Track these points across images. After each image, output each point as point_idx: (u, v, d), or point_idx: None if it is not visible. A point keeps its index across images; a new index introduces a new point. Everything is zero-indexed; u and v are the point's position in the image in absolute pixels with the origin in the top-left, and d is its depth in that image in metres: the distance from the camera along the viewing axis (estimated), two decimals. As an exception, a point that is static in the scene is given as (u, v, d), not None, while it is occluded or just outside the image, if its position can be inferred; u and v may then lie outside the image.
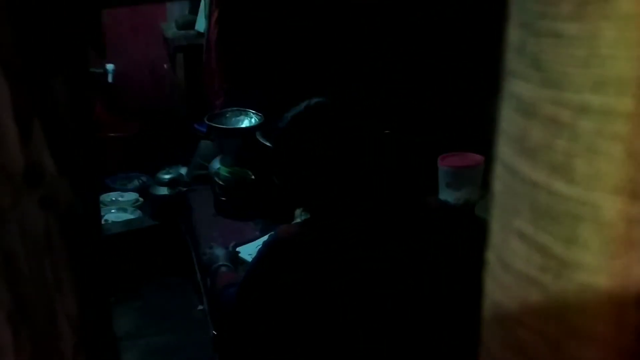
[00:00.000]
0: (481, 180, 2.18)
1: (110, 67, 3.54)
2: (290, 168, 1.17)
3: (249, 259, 1.73)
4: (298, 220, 1.92)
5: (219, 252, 1.57)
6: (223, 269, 1.49)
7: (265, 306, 1.18)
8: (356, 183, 1.13)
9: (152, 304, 2.62)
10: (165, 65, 3.64)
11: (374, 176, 1.13)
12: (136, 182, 3.34)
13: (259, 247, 1.79)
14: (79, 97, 1.45)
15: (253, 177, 2.28)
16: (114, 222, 2.85)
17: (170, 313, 2.55)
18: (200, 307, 2.42)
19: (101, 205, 3.10)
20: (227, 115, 2.43)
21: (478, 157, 2.16)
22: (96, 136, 2.26)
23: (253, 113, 2.41)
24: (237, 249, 1.69)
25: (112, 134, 3.53)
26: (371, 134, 1.16)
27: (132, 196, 3.20)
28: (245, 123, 2.40)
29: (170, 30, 3.32)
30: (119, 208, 3.07)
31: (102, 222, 2.89)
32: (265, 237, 1.88)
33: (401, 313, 1.14)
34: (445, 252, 1.17)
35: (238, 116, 2.43)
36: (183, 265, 2.46)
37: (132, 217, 2.98)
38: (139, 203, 3.15)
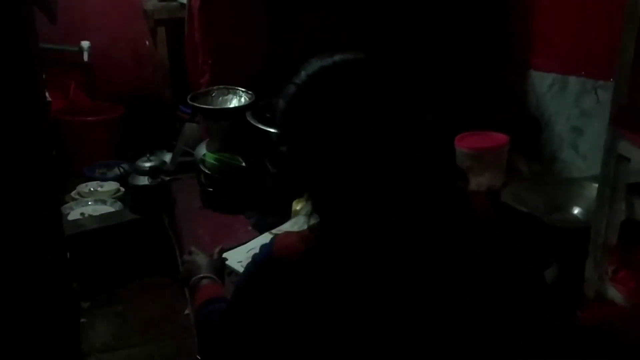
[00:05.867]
0: (505, 164, 1.91)
1: (85, 44, 3.24)
2: (304, 144, 0.85)
3: (238, 267, 1.46)
4: (299, 214, 1.65)
5: (202, 260, 1.29)
6: (205, 281, 1.21)
7: (257, 342, 0.90)
8: (389, 174, 0.81)
9: (132, 309, 2.34)
10: (146, 42, 3.33)
11: (411, 167, 0.84)
12: (117, 171, 3.06)
13: (251, 253, 1.52)
14: (21, 74, 1.15)
15: (243, 163, 2.00)
16: (90, 217, 2.56)
17: (153, 319, 2.27)
18: (187, 312, 2.15)
19: (78, 197, 2.83)
20: (213, 94, 2.15)
21: (502, 137, 1.89)
22: (49, 119, 1.98)
23: (242, 91, 2.12)
24: (224, 255, 1.42)
25: (90, 118, 3.23)
26: (413, 108, 0.86)
27: (112, 186, 2.92)
28: (234, 102, 2.12)
29: (150, 2, 3.02)
30: (97, 200, 2.78)
31: (78, 216, 2.62)
32: (258, 241, 1.62)
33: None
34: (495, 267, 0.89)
35: (225, 95, 2.15)
36: (167, 263, 2.18)
37: (111, 209, 2.69)
38: (119, 194, 2.87)
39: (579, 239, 1.57)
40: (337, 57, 0.87)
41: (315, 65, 0.87)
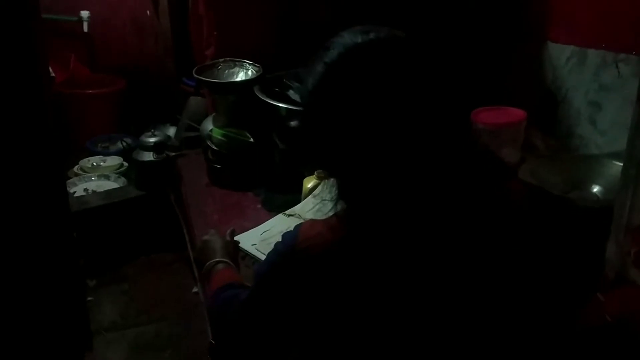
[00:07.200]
0: (522, 140, 1.86)
1: (85, 14, 3.15)
2: (334, 128, 0.78)
3: (252, 251, 1.41)
4: (311, 193, 1.60)
5: (216, 243, 1.24)
6: (220, 266, 1.17)
7: (279, 333, 0.86)
8: (424, 160, 0.75)
9: (139, 287, 2.31)
10: (147, 11, 3.23)
11: (447, 154, 0.78)
12: (119, 145, 3.00)
13: (265, 236, 1.48)
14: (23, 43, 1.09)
15: (251, 139, 1.94)
16: (94, 193, 2.52)
17: (160, 297, 2.25)
18: (195, 290, 2.12)
19: (81, 172, 2.78)
20: (219, 67, 2.08)
21: (519, 112, 1.84)
22: (54, 92, 1.90)
23: (249, 64, 2.05)
24: (237, 239, 1.37)
25: (91, 91, 3.16)
26: (446, 92, 0.80)
27: (115, 161, 2.87)
28: (241, 76, 2.06)
29: (151, -30, 2.93)
30: (100, 175, 2.73)
31: (82, 192, 2.58)
32: (272, 222, 1.57)
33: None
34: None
35: (232, 68, 2.08)
36: (173, 240, 2.14)
37: (115, 185, 2.65)
38: (123, 168, 2.81)
39: (599, 218, 1.53)
40: (372, 35, 0.79)
41: (348, 42, 0.80)
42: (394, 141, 0.76)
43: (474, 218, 0.79)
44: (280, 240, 0.88)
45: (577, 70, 2.02)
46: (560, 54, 2.08)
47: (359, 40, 0.79)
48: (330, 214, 0.84)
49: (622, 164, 1.43)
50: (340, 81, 0.79)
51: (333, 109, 0.79)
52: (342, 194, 0.83)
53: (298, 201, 1.65)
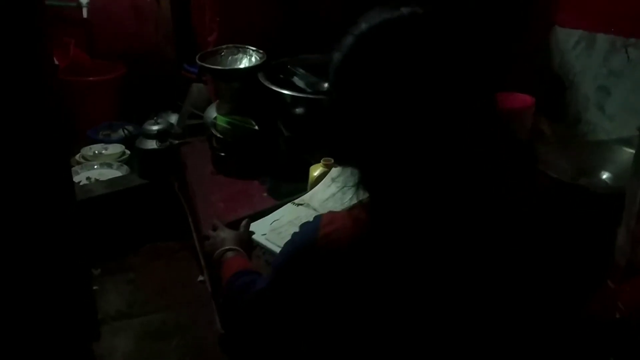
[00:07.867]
0: (530, 126, 1.84)
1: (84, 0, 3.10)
2: (361, 105, 0.75)
3: (263, 241, 1.39)
4: (319, 181, 1.59)
5: (225, 233, 1.23)
6: (229, 254, 1.16)
7: (297, 325, 0.85)
8: (456, 145, 0.72)
9: (144, 276, 2.30)
10: (148, -4, 3.20)
11: (479, 140, 0.74)
12: (121, 132, 2.98)
13: (275, 225, 1.46)
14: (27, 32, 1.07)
15: (256, 127, 1.92)
16: (97, 181, 2.50)
17: (166, 286, 2.24)
18: (200, 279, 2.11)
19: (83, 160, 2.76)
20: (222, 53, 2.05)
21: (526, 98, 1.82)
22: (58, 80, 1.87)
23: (253, 50, 2.02)
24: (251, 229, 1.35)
25: (92, 78, 3.13)
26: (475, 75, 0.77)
27: (116, 149, 2.84)
28: (245, 62, 2.03)
29: (151, -46, 2.88)
30: (102, 163, 2.71)
31: (85, 180, 2.56)
32: (281, 212, 1.55)
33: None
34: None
35: (235, 54, 2.05)
36: (178, 228, 2.13)
37: (118, 173, 2.63)
38: (125, 157, 2.79)
39: (609, 204, 1.52)
40: (405, 10, 0.76)
41: (378, 16, 0.76)
42: (423, 122, 0.73)
43: (501, 210, 0.77)
44: (297, 230, 0.86)
45: (585, 55, 2.00)
46: (569, 39, 2.06)
47: (390, 15, 0.76)
48: (351, 202, 0.80)
49: (631, 150, 1.42)
50: (370, 53, 0.75)
51: (362, 82, 0.75)
52: (365, 182, 0.79)
53: (304, 189, 1.63)
